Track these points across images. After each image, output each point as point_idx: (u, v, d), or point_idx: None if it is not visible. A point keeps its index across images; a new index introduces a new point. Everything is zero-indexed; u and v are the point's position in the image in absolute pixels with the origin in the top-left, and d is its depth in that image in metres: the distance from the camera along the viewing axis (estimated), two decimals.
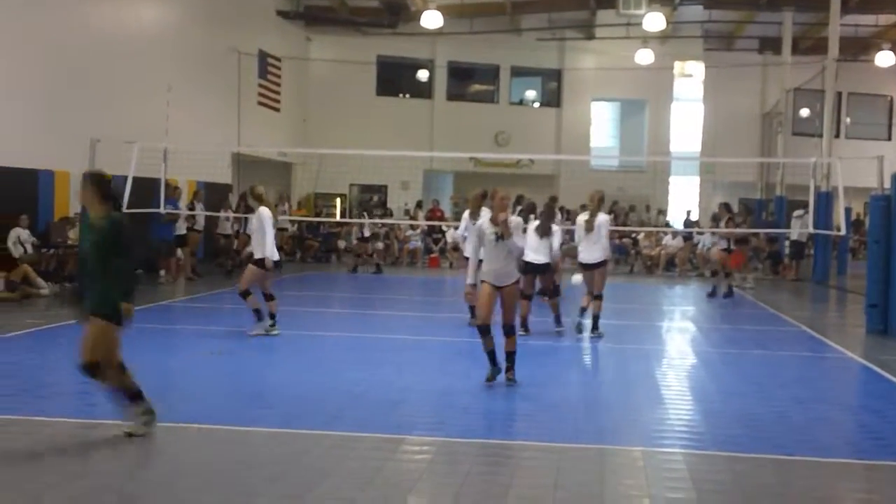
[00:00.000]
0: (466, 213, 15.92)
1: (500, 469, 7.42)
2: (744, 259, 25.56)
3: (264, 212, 13.99)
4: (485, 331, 10.78)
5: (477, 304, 10.98)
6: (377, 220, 31.52)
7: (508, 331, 10.81)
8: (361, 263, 27.17)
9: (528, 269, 14.63)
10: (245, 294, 14.03)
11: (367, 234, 28.01)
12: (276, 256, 14.01)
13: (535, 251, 14.59)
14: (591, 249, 14.79)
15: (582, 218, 15.01)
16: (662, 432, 8.81)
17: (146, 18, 24.72)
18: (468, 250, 16.10)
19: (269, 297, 14.14)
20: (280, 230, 28.27)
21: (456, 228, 30.10)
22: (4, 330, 13.67)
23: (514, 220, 10.92)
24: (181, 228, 22.74)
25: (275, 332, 13.90)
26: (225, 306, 18.14)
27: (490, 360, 10.78)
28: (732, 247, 22.66)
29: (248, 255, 14.70)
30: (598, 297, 14.83)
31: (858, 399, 11.38)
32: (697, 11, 36.90)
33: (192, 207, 23.65)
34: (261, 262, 13.94)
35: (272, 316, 14.02)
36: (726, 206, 23.78)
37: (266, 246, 13.83)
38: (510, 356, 10.85)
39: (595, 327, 14.81)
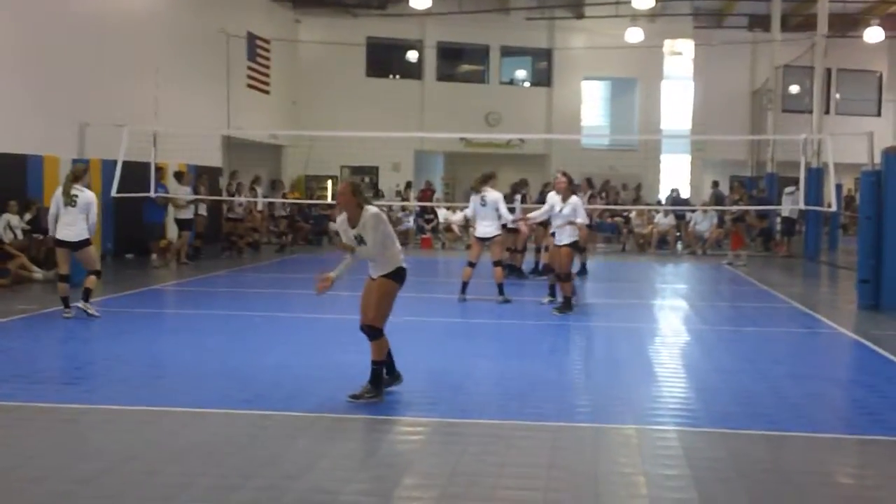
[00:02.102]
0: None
1: (494, 448, 7.42)
2: (743, 239, 25.71)
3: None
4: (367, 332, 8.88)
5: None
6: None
7: (366, 332, 8.86)
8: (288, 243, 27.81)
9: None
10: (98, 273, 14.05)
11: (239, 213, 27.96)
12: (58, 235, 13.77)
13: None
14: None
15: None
16: (656, 410, 8.82)
17: (134, 0, 24.60)
18: (479, 230, 16.43)
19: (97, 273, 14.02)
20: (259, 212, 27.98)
21: (447, 209, 30.29)
22: None
23: (371, 213, 8.66)
24: (187, 213, 22.69)
25: (94, 312, 13.61)
26: (220, 290, 18.14)
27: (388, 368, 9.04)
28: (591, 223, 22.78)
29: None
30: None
31: (851, 374, 11.41)
32: None
33: (196, 191, 23.57)
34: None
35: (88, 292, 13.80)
36: (588, 181, 23.93)
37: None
38: (373, 367, 8.80)
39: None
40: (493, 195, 16.56)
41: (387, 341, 8.90)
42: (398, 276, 8.89)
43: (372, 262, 8.88)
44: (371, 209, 8.71)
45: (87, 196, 13.69)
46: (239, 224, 25.85)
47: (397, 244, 9.01)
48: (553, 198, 15.03)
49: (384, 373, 8.92)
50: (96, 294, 14.45)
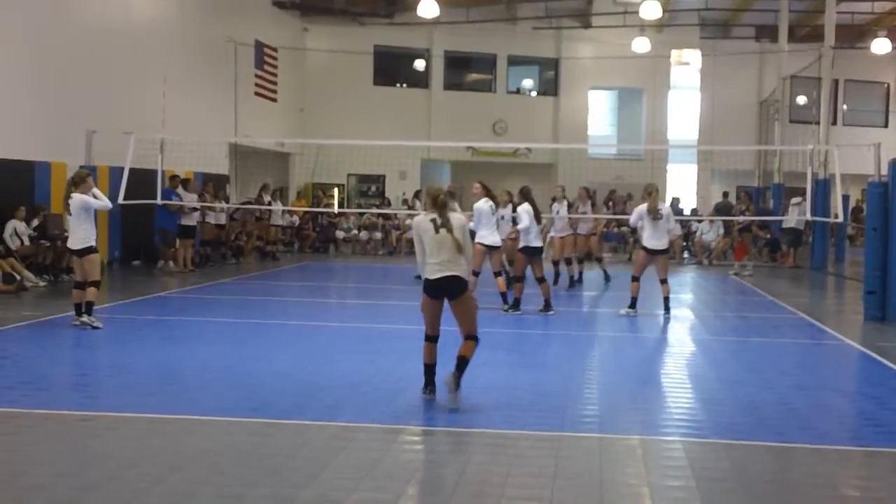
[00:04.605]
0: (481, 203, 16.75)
1: (499, 459, 7.41)
2: (748, 248, 25.68)
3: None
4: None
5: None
6: (374, 210, 31.52)
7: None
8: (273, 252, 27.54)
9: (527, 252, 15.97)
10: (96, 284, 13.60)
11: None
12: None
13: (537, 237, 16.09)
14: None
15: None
16: (662, 420, 8.81)
17: (142, 9, 24.67)
18: (489, 238, 16.28)
19: (95, 284, 13.55)
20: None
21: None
22: (2, 322, 13.64)
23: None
24: (190, 220, 22.49)
25: (97, 325, 13.29)
26: (226, 297, 18.13)
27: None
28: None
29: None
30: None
31: (857, 386, 11.37)
32: None
33: (203, 199, 23.51)
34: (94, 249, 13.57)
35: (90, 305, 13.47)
36: (586, 190, 23.95)
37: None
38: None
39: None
40: None
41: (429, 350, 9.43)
42: (424, 286, 9.23)
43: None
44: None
45: (76, 200, 13.37)
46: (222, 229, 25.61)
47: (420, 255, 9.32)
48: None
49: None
50: (100, 301, 14.44)
